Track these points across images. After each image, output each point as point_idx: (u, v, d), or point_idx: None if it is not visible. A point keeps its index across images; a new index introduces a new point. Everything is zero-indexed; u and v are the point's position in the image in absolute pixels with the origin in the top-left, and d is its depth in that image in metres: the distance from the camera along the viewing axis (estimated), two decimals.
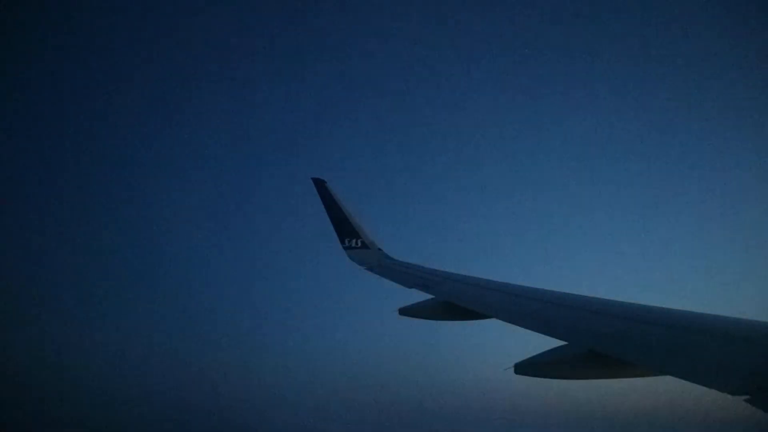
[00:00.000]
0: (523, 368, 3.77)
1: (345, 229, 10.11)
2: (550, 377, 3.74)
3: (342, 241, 10.09)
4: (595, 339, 3.87)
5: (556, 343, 3.91)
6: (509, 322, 4.67)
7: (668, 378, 3.01)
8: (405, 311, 6.37)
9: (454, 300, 5.92)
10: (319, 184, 10.25)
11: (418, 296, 6.89)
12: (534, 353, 3.97)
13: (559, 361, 3.71)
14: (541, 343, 4.15)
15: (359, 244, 10.03)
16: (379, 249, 10.04)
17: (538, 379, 3.77)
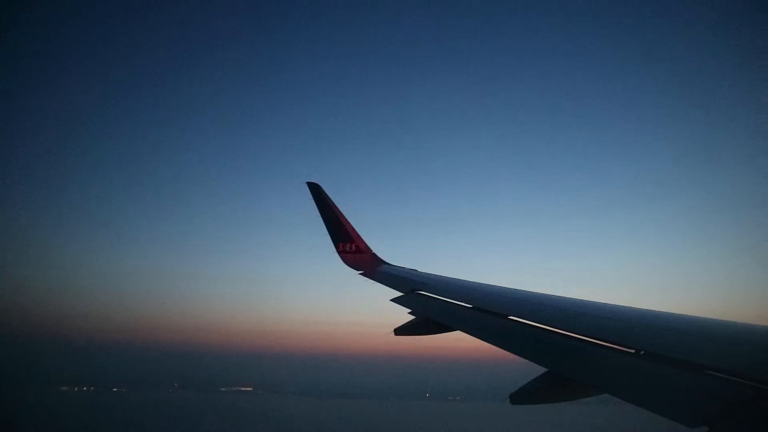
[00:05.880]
0: (519, 398, 3.86)
1: (339, 233, 10.12)
2: (546, 402, 3.85)
3: (336, 246, 10.08)
4: (557, 362, 4.00)
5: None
6: (475, 336, 4.83)
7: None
8: (400, 331, 6.34)
9: (433, 316, 5.99)
10: (315, 189, 10.27)
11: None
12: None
13: (550, 385, 3.80)
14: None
15: (353, 248, 10.04)
16: (374, 254, 10.08)
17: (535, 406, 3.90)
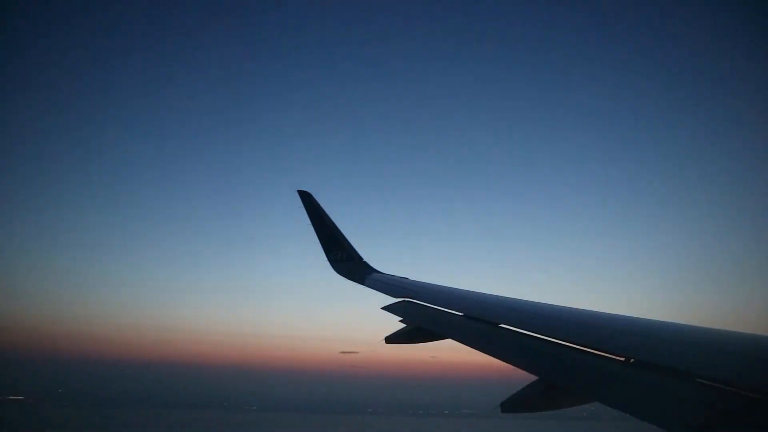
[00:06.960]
0: (509, 406, 3.88)
1: (330, 241, 10.09)
2: (537, 411, 3.85)
3: (327, 253, 10.05)
4: (551, 370, 4.00)
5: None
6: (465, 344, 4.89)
7: None
8: (391, 339, 6.36)
9: (424, 324, 6.01)
10: (305, 197, 10.26)
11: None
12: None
13: (541, 393, 3.80)
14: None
15: (344, 256, 10.01)
16: (364, 261, 10.06)
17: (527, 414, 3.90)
